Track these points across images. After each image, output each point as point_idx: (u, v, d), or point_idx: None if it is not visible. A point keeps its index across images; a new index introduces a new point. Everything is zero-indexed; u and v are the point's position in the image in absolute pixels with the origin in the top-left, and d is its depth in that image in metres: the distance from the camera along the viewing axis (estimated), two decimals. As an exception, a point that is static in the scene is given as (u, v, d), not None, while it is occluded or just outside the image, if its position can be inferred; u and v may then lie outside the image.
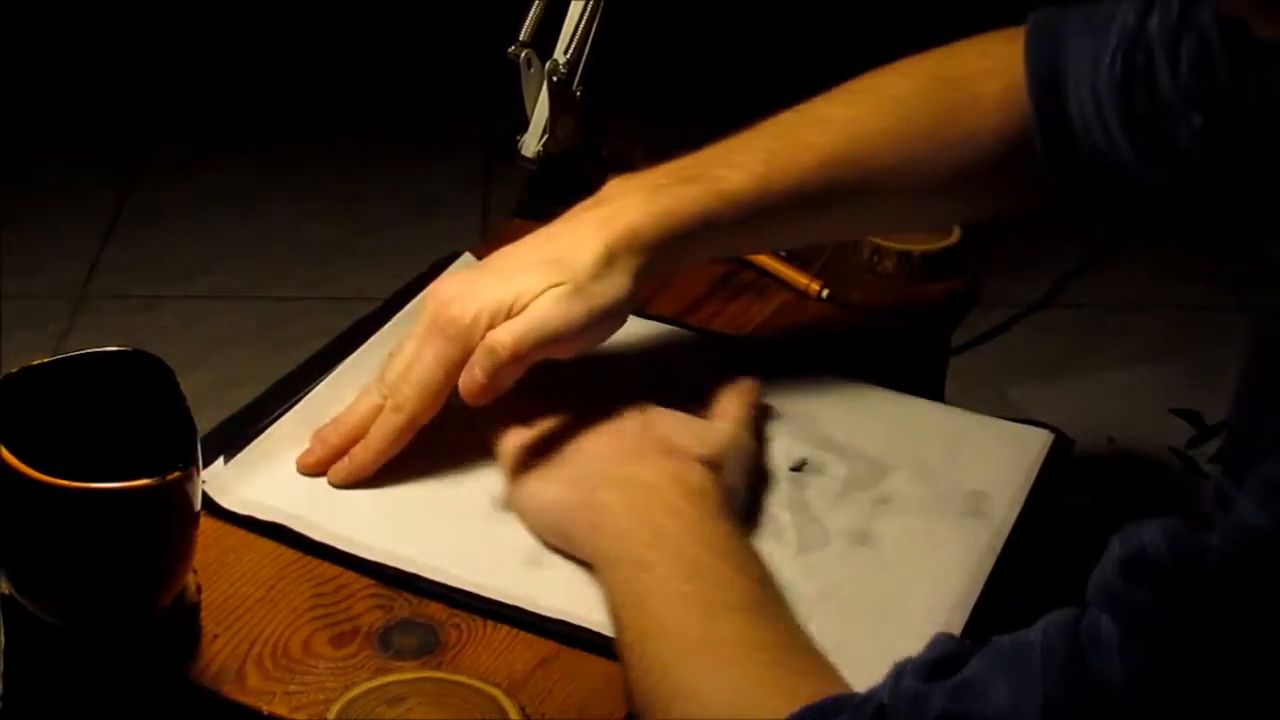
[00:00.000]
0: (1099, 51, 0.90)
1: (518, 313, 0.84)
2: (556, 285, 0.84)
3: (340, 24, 2.84)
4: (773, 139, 0.93)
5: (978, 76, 0.94)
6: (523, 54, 1.14)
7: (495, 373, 0.83)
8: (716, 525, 0.80)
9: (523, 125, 1.18)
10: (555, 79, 1.14)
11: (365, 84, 2.73)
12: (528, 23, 1.15)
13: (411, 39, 2.82)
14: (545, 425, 0.87)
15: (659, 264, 0.88)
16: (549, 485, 0.85)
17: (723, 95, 2.71)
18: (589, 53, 1.15)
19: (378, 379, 0.89)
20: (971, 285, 1.14)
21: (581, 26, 1.14)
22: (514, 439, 0.87)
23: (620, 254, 0.86)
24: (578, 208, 0.90)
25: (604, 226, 0.87)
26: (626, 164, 1.21)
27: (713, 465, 0.84)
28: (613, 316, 0.87)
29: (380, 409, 0.87)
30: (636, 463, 0.83)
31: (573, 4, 1.15)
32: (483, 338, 0.84)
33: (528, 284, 0.84)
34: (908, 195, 0.95)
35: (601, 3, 1.14)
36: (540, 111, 1.16)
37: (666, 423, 0.87)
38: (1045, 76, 0.92)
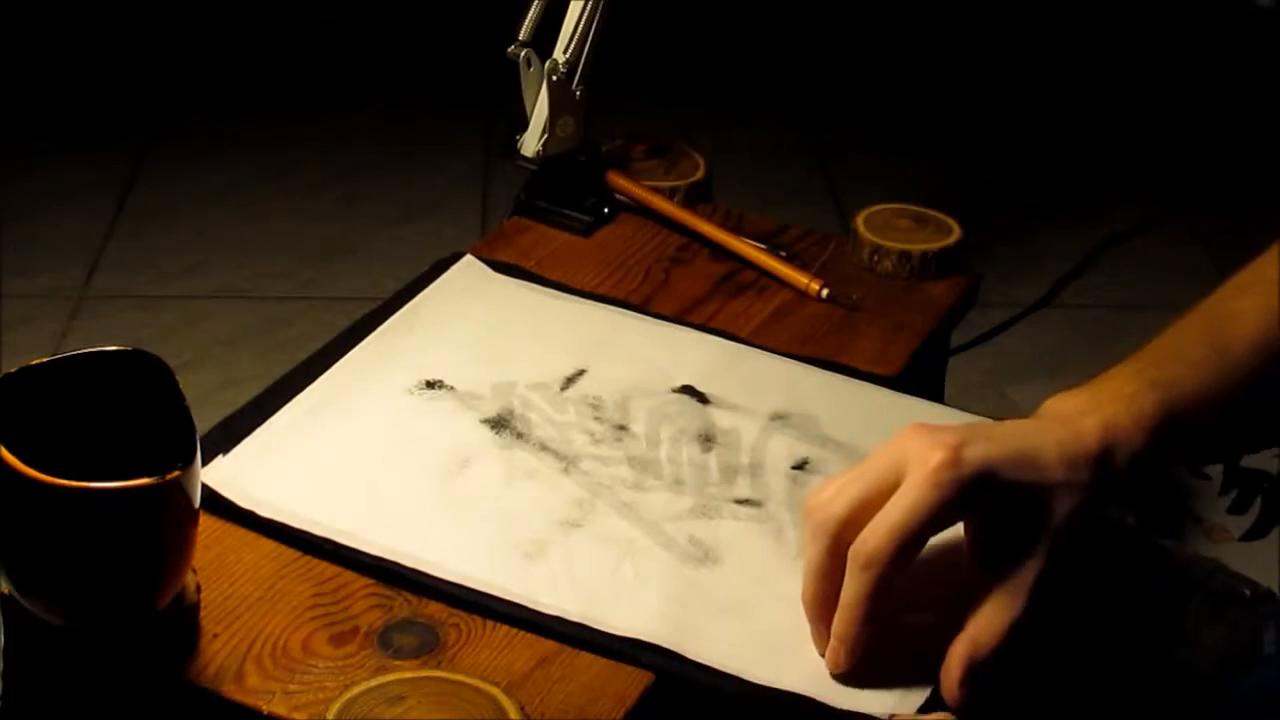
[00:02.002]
0: None
1: None
2: None
3: (340, 24, 2.84)
4: (1201, 332, 0.87)
5: None
6: (522, 54, 1.14)
7: None
8: None
9: (523, 125, 1.18)
10: (555, 79, 1.14)
11: (365, 83, 2.73)
12: (527, 22, 1.15)
13: (411, 39, 2.82)
14: None
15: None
16: None
17: (723, 95, 2.71)
18: (589, 53, 1.15)
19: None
20: (971, 285, 1.15)
21: (581, 26, 1.14)
22: None
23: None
24: None
25: None
26: (626, 164, 1.22)
27: None
28: None
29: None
30: None
31: (572, 4, 1.15)
32: None
33: None
34: None
35: (601, 3, 1.14)
36: (540, 111, 1.16)
37: None
38: None
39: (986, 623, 0.75)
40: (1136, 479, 0.79)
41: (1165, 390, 0.80)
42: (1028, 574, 0.75)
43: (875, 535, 0.74)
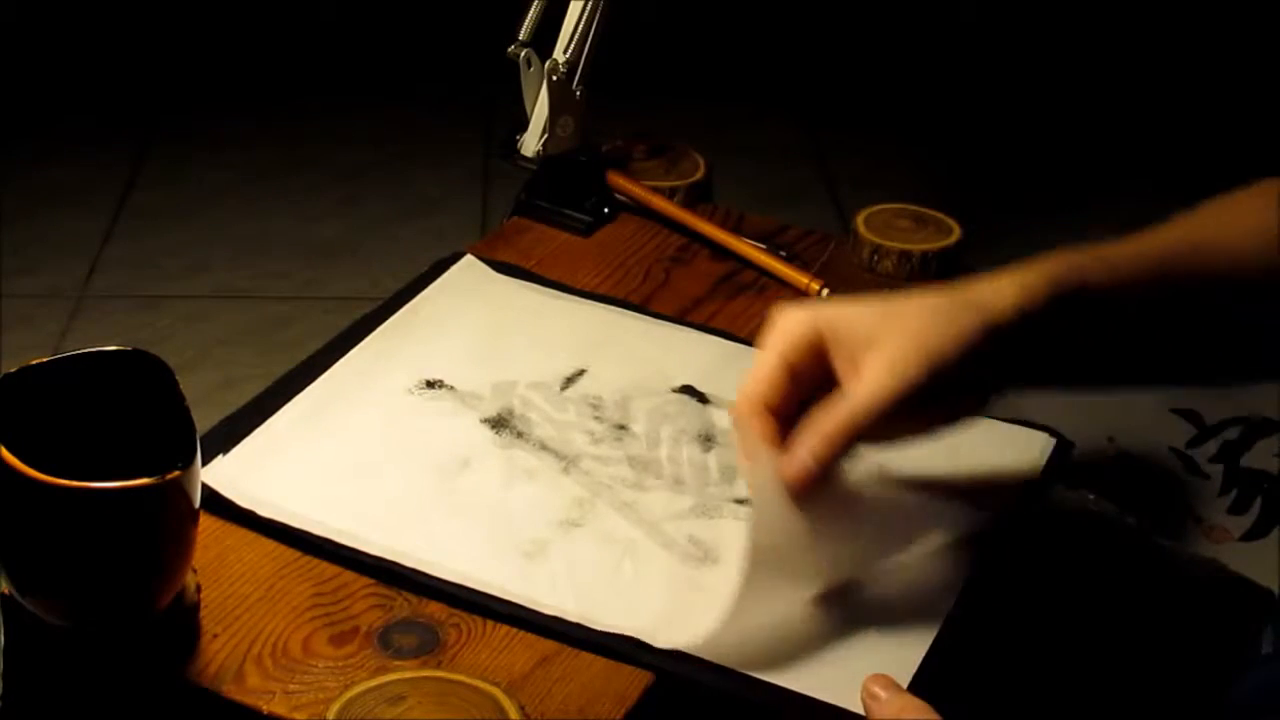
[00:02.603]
0: None
1: None
2: None
3: (340, 24, 2.84)
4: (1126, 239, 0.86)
5: None
6: (522, 53, 1.15)
7: None
8: None
9: (523, 125, 1.18)
10: (555, 79, 1.14)
11: (365, 84, 2.73)
12: (527, 22, 1.15)
13: (411, 39, 2.82)
14: None
15: None
16: None
17: (723, 95, 2.71)
18: (589, 53, 1.15)
19: None
20: (971, 285, 1.14)
21: (581, 26, 1.14)
22: None
23: None
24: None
25: None
26: (626, 164, 1.22)
27: None
28: None
29: None
30: None
31: (572, 4, 1.15)
32: None
33: None
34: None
35: (601, 3, 1.14)
36: (540, 111, 1.16)
37: None
38: None
39: (824, 413, 0.77)
40: (1036, 337, 0.78)
41: (1061, 261, 0.80)
42: (881, 373, 0.76)
43: (746, 382, 0.79)
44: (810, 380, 0.79)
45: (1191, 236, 0.84)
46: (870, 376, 0.77)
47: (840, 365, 0.79)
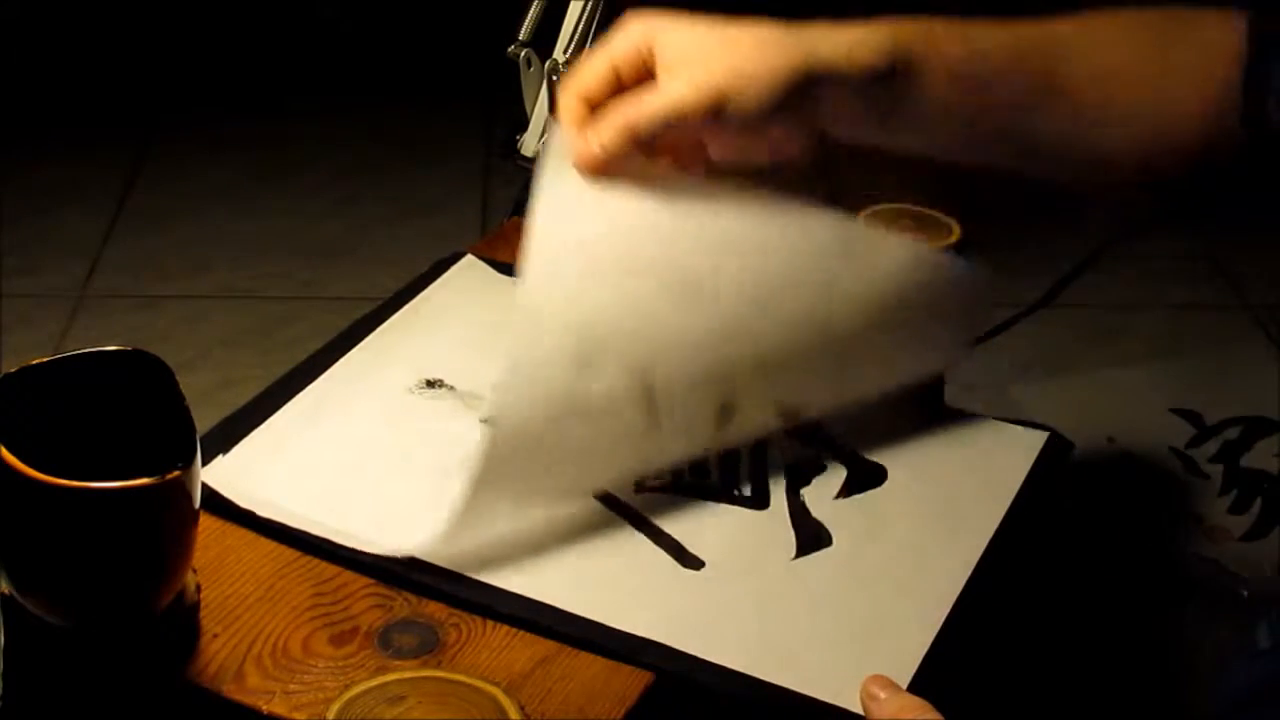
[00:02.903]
0: None
1: None
2: None
3: (340, 23, 2.84)
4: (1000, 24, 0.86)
5: (1201, 17, 0.87)
6: (522, 53, 1.15)
7: None
8: None
9: (523, 125, 1.18)
10: (555, 78, 1.14)
11: (365, 83, 2.73)
12: (527, 22, 1.15)
13: (411, 38, 2.82)
14: None
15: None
16: None
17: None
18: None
19: None
20: (971, 285, 1.14)
21: (581, 26, 1.15)
22: None
23: None
24: None
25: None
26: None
27: None
28: None
29: None
30: None
31: (572, 4, 1.15)
32: None
33: None
34: (1122, 107, 0.85)
35: (601, 3, 1.15)
36: (540, 111, 1.16)
37: None
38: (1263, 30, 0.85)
39: (622, 102, 0.80)
40: (868, 92, 0.80)
41: (917, 27, 0.81)
42: (685, 84, 0.79)
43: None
44: (635, 83, 0.82)
45: (1069, 41, 0.84)
46: (675, 84, 0.79)
47: (660, 73, 0.81)
